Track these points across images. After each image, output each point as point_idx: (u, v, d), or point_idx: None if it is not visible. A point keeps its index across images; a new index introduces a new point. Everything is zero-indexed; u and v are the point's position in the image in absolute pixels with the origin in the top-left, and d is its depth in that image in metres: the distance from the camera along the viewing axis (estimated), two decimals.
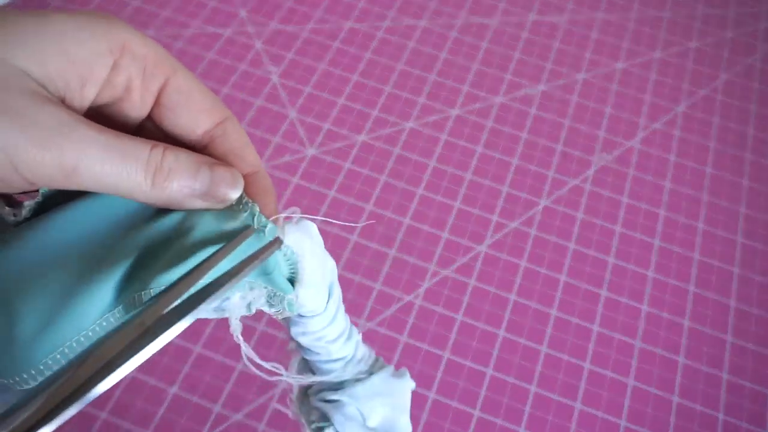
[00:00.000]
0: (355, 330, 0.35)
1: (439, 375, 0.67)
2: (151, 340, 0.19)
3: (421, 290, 0.72)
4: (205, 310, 0.25)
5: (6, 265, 0.21)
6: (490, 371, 0.68)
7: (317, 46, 0.89)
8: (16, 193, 0.21)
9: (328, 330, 0.32)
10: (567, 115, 0.87)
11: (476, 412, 0.65)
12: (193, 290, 0.21)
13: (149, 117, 0.24)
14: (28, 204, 0.23)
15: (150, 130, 0.24)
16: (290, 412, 0.39)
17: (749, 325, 0.73)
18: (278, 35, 0.90)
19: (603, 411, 0.66)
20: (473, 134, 0.84)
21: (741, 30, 0.99)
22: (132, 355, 0.19)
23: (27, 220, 0.23)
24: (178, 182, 0.21)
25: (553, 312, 0.72)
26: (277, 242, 0.23)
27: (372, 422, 0.36)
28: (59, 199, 0.24)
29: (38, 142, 0.18)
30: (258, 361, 0.26)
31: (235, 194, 0.23)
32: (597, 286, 0.74)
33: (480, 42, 0.93)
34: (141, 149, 0.20)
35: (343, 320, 0.33)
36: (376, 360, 0.37)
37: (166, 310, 0.20)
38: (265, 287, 0.24)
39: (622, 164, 0.83)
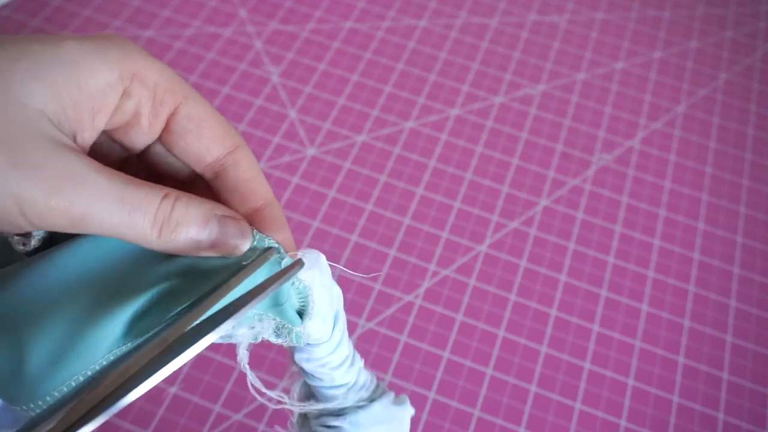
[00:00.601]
0: (357, 356, 0.35)
1: (439, 375, 0.67)
2: (173, 358, 0.19)
3: (421, 290, 0.72)
4: (221, 332, 0.25)
5: (17, 296, 0.21)
6: (490, 371, 0.68)
7: (317, 46, 0.89)
8: (24, 232, 0.21)
9: (332, 357, 0.32)
10: (567, 115, 0.87)
11: (476, 412, 0.65)
12: (213, 310, 0.21)
13: (159, 140, 0.24)
14: (38, 233, 0.23)
15: (159, 153, 0.24)
16: None
17: (749, 325, 0.73)
18: (278, 35, 0.90)
19: (603, 411, 0.66)
20: (473, 134, 0.84)
21: (741, 30, 0.99)
22: (153, 372, 0.19)
23: (36, 250, 0.23)
24: (185, 234, 0.21)
25: (553, 312, 0.72)
26: (298, 263, 0.23)
27: None
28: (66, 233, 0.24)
29: (50, 192, 0.18)
30: (263, 389, 0.26)
31: (244, 247, 0.23)
32: (597, 286, 0.74)
33: (480, 42, 0.93)
34: (151, 200, 0.20)
35: (346, 347, 0.33)
36: (377, 386, 0.37)
37: (188, 328, 0.20)
38: (274, 319, 0.24)
39: (622, 164, 0.83)
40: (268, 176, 0.77)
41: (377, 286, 0.71)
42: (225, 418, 0.63)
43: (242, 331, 0.24)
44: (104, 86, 0.20)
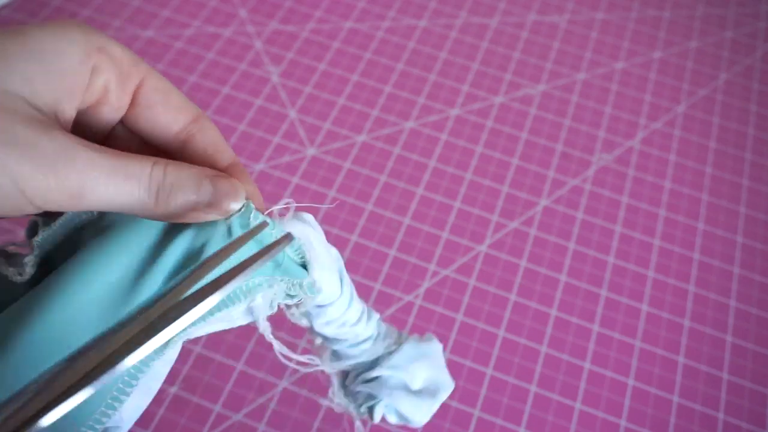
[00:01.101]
0: (372, 310, 0.35)
1: None
2: (154, 335, 0.19)
3: (421, 290, 0.72)
4: (238, 314, 0.25)
5: (29, 334, 0.21)
6: (490, 371, 0.68)
7: (317, 46, 0.89)
8: (26, 215, 0.21)
9: (349, 314, 0.32)
10: (567, 115, 0.87)
11: (476, 412, 0.65)
12: (198, 286, 0.21)
13: (122, 121, 0.24)
14: (29, 260, 0.23)
15: (122, 136, 0.25)
16: (335, 406, 0.40)
17: (749, 325, 0.73)
18: (278, 35, 0.90)
19: (603, 411, 0.66)
20: (473, 134, 0.84)
21: (741, 30, 0.99)
22: (134, 350, 0.18)
23: (33, 277, 0.23)
24: (183, 197, 0.22)
25: (553, 312, 0.72)
26: (287, 237, 0.23)
27: (416, 385, 0.37)
28: (57, 251, 0.24)
29: (44, 169, 0.19)
30: (291, 355, 0.27)
31: (237, 204, 0.23)
32: (597, 286, 0.74)
33: (480, 42, 0.93)
34: (143, 167, 0.21)
35: (359, 303, 0.33)
36: (400, 334, 0.38)
37: (170, 305, 0.20)
38: (282, 280, 0.25)
39: (622, 164, 0.83)
40: (268, 176, 0.77)
41: (377, 286, 0.71)
42: (225, 418, 0.63)
43: (258, 300, 0.24)
44: (74, 65, 0.21)
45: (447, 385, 0.38)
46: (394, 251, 0.74)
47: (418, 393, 0.37)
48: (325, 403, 0.64)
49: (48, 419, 0.17)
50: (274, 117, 0.82)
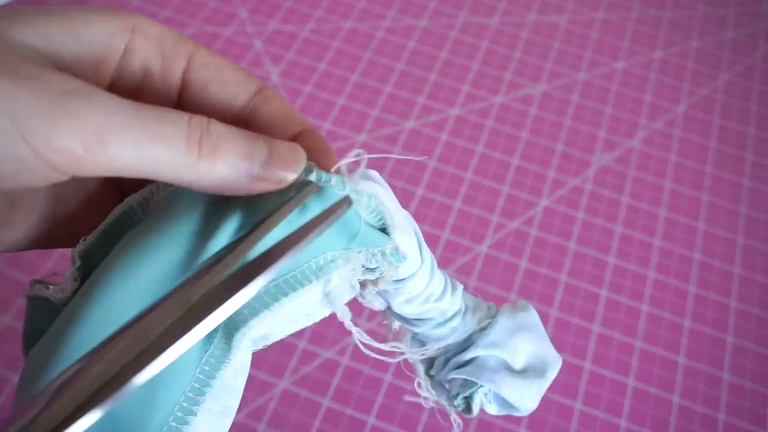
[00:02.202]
0: (455, 280, 0.30)
1: None
2: (198, 322, 0.15)
3: None
4: (313, 302, 0.21)
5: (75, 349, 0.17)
6: None
7: (317, 46, 0.89)
8: (38, 187, 0.17)
9: (433, 285, 0.27)
10: (567, 115, 0.87)
11: None
12: (246, 260, 0.17)
13: (179, 102, 0.21)
14: (70, 273, 0.20)
15: None
16: (423, 401, 0.33)
17: (750, 325, 0.73)
18: (278, 35, 0.90)
19: (603, 411, 0.66)
20: (473, 134, 0.84)
21: (741, 30, 0.98)
22: (173, 341, 0.14)
23: (75, 292, 0.20)
24: (232, 156, 0.17)
25: (553, 312, 0.72)
26: (346, 202, 0.19)
27: (519, 363, 0.30)
28: (99, 255, 0.20)
29: (51, 106, 0.15)
30: (374, 344, 0.23)
31: (299, 168, 0.19)
32: (597, 286, 0.74)
33: (480, 42, 0.93)
34: (179, 115, 0.17)
35: (440, 272, 0.28)
36: (489, 305, 0.32)
37: (215, 284, 0.16)
38: (359, 251, 0.20)
39: (622, 164, 0.83)
40: None
41: None
42: None
43: (335, 282, 0.20)
44: (103, 36, 0.18)
45: (555, 361, 0.32)
46: None
47: (523, 373, 0.30)
48: (325, 403, 0.64)
49: None
50: None
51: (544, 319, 0.71)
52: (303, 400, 0.64)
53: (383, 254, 0.21)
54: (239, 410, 0.63)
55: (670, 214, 0.80)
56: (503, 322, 0.31)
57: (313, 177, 0.19)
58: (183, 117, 0.17)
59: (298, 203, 0.18)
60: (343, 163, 0.20)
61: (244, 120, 0.21)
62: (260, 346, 0.22)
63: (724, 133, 0.88)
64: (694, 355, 0.71)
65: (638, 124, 0.87)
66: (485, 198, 0.79)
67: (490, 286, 0.73)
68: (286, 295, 0.19)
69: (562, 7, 0.98)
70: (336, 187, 0.19)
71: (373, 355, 0.24)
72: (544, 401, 0.67)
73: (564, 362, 0.69)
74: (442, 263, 0.73)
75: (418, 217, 0.76)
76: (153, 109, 0.16)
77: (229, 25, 0.90)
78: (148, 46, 0.19)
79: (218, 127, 0.17)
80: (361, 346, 0.23)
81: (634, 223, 0.79)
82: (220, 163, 0.17)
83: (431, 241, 0.75)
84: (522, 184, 0.80)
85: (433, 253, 0.77)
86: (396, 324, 0.30)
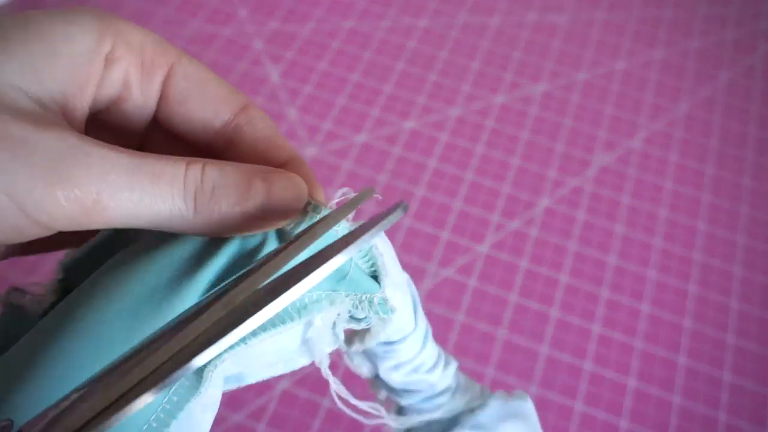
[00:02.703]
0: (450, 356, 0.29)
1: None
2: (244, 320, 0.14)
3: (422, 290, 0.71)
4: (292, 344, 0.20)
5: (61, 369, 0.16)
6: (490, 371, 0.68)
7: (317, 46, 0.89)
8: (33, 239, 0.17)
9: (424, 354, 0.26)
10: (567, 115, 0.87)
11: None
12: (293, 263, 0.16)
13: (156, 122, 0.20)
14: (49, 284, 0.19)
15: (159, 143, 0.20)
16: None
17: (750, 325, 0.73)
18: (278, 35, 0.90)
19: (603, 411, 0.66)
20: (473, 134, 0.84)
21: (742, 30, 0.98)
22: (218, 338, 0.14)
23: (53, 305, 0.19)
24: (227, 201, 0.17)
25: (553, 312, 0.72)
26: (401, 204, 0.18)
27: None
28: (83, 271, 0.19)
29: (46, 174, 0.15)
30: (352, 401, 0.22)
31: (299, 205, 0.18)
32: (597, 286, 0.74)
33: (480, 42, 0.93)
34: (174, 166, 0.16)
35: (434, 344, 0.27)
36: (482, 388, 0.31)
37: (260, 286, 0.16)
38: (347, 295, 0.20)
39: (622, 164, 0.83)
40: None
41: None
42: (225, 419, 0.62)
43: (317, 324, 0.19)
44: (84, 52, 0.17)
45: None
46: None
47: None
48: (325, 403, 0.64)
49: None
50: (274, 117, 0.82)
51: (544, 318, 0.71)
52: (303, 400, 0.64)
53: (371, 302, 0.20)
54: (239, 411, 0.63)
55: (670, 214, 0.80)
56: (495, 407, 0.30)
57: (315, 213, 0.19)
58: (180, 169, 0.16)
59: (353, 208, 0.18)
60: (333, 203, 0.20)
61: (225, 139, 0.20)
62: (234, 386, 0.21)
63: (724, 132, 0.88)
64: (694, 355, 0.71)
65: (638, 124, 0.87)
66: (485, 198, 0.79)
67: (491, 286, 0.73)
68: (264, 329, 0.18)
69: (562, 7, 0.98)
70: (343, 230, 0.19)
71: (349, 412, 0.22)
72: (545, 401, 0.67)
73: (564, 362, 0.69)
74: (442, 263, 0.73)
75: (418, 217, 0.76)
76: (150, 164, 0.16)
77: (229, 24, 0.90)
78: (128, 56, 0.18)
79: (213, 174, 0.17)
80: (337, 401, 0.21)
81: (634, 223, 0.79)
82: (217, 213, 0.17)
83: (431, 241, 0.75)
84: (522, 184, 0.80)
85: (434, 253, 0.76)
86: (383, 394, 0.29)
